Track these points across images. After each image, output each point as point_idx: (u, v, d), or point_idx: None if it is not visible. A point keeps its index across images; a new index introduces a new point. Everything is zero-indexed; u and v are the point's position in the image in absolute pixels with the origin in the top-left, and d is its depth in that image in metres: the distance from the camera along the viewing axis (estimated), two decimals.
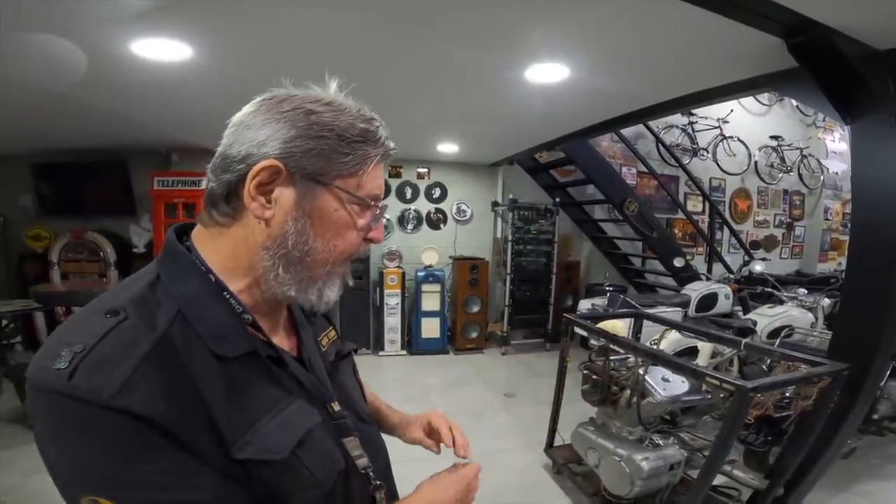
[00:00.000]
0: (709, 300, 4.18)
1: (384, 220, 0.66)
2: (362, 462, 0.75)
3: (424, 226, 6.25)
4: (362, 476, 0.74)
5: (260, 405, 0.62)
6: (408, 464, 0.89)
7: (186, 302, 0.61)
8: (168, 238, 0.69)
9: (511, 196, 5.93)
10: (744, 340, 2.63)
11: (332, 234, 0.66)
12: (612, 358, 2.77)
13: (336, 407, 0.74)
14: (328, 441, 0.70)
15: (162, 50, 2.27)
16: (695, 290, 4.21)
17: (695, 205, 7.06)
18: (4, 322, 4.15)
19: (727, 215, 7.21)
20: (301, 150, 0.62)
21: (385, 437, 0.94)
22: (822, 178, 8.04)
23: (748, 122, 7.30)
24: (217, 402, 0.57)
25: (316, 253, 0.66)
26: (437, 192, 6.26)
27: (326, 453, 0.68)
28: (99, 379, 0.50)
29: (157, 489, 0.52)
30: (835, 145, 8.17)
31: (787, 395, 2.09)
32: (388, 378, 4.93)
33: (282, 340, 0.74)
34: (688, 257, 5.52)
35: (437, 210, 6.28)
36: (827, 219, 8.23)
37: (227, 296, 0.64)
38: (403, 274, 5.75)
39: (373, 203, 0.68)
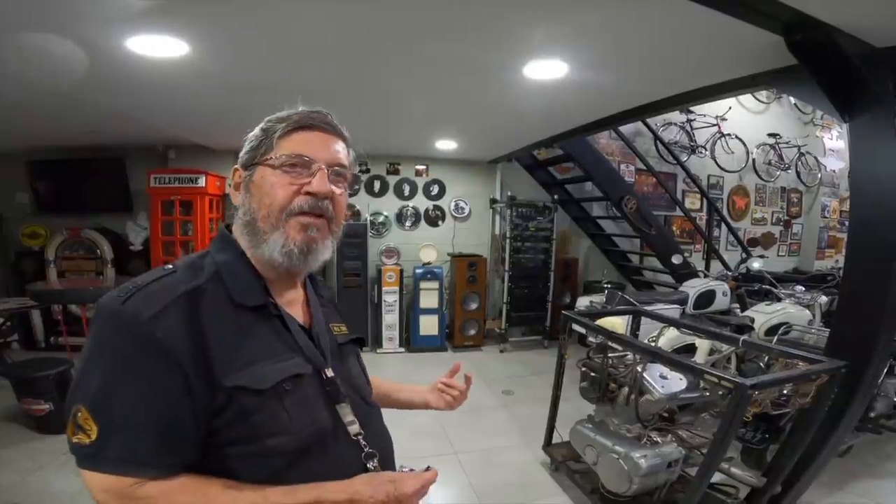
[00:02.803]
0: (707, 297, 4.19)
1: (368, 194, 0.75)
2: (353, 428, 0.85)
3: (423, 223, 6.24)
4: (353, 442, 0.84)
5: (260, 351, 0.78)
6: (413, 461, 0.89)
7: (223, 265, 0.82)
8: (220, 226, 0.91)
9: (509, 193, 5.92)
10: (742, 338, 2.63)
11: (263, 195, 0.83)
12: (610, 355, 2.77)
13: (329, 373, 0.86)
14: (317, 398, 0.82)
15: (159, 47, 2.25)
16: (693, 288, 4.21)
17: (693, 202, 7.07)
18: (1, 320, 4.13)
19: (725, 213, 7.22)
20: (244, 152, 0.88)
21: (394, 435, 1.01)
22: (819, 175, 8.05)
23: (746, 119, 7.31)
24: (221, 342, 0.73)
25: (256, 212, 0.83)
26: (435, 189, 6.25)
27: (309, 406, 0.80)
28: (141, 306, 0.70)
29: (129, 409, 0.67)
30: (832, 143, 8.18)
31: (785, 392, 2.09)
32: (386, 375, 4.79)
33: (295, 312, 0.91)
34: (686, 255, 5.52)
35: (436, 207, 6.27)
36: (824, 216, 8.24)
37: (251, 265, 0.85)
38: (401, 271, 5.74)
39: (294, 158, 0.82)
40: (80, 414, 0.67)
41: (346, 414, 0.85)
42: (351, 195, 5.76)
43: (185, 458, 0.71)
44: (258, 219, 0.83)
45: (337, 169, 0.87)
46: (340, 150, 0.89)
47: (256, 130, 0.88)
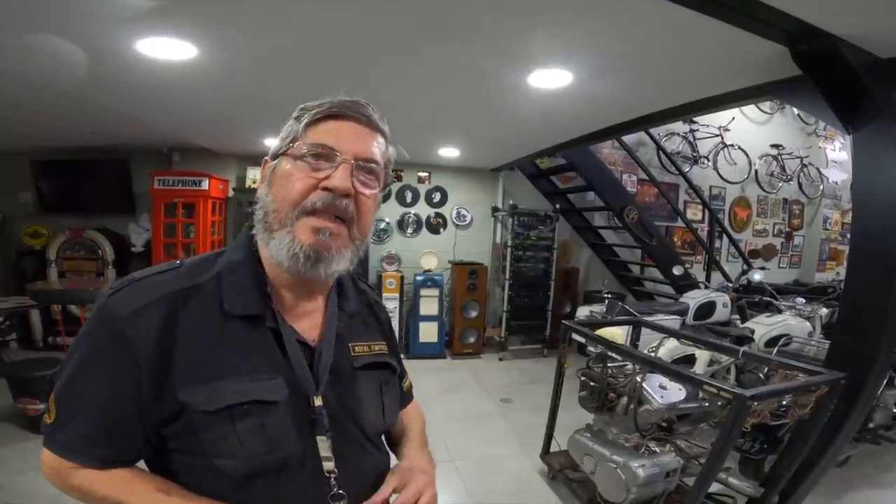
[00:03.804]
0: (707, 308, 4.18)
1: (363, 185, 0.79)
2: (328, 465, 0.76)
3: (424, 230, 6.25)
4: (323, 479, 0.76)
5: (235, 366, 0.72)
6: None
7: (227, 267, 0.78)
8: (245, 225, 0.84)
9: (511, 202, 5.93)
10: (742, 349, 2.62)
11: (278, 188, 0.76)
12: (609, 365, 2.76)
13: (317, 401, 0.77)
14: (290, 427, 0.74)
15: (167, 49, 2.26)
16: (693, 299, 4.20)
17: (695, 213, 7.07)
18: (0, 319, 4.13)
19: (727, 224, 7.23)
20: (275, 143, 0.81)
21: None
22: (821, 187, 8.05)
23: (749, 130, 7.33)
24: (191, 350, 0.70)
25: (269, 205, 0.76)
26: (437, 197, 6.26)
27: (272, 434, 0.72)
28: (124, 302, 0.69)
29: (84, 399, 0.69)
30: (835, 154, 8.19)
31: (784, 403, 2.08)
32: None
33: (304, 324, 0.82)
34: (687, 266, 5.52)
35: (437, 214, 6.28)
36: (826, 228, 8.24)
37: (260, 268, 0.79)
38: (402, 278, 5.74)
39: (318, 148, 0.74)
40: (52, 395, 0.71)
41: (324, 449, 0.76)
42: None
43: (125, 456, 0.71)
44: (270, 212, 0.76)
45: (366, 164, 0.77)
46: (374, 145, 0.79)
47: (290, 119, 0.80)
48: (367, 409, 0.85)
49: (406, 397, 1.10)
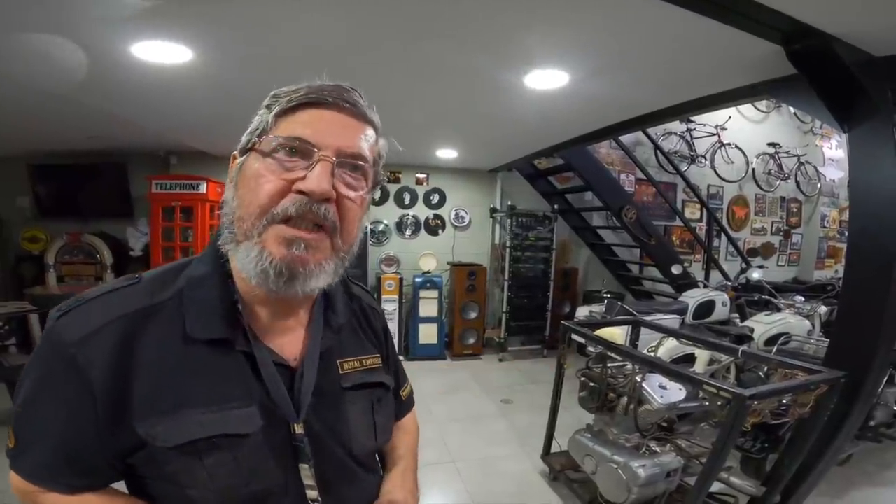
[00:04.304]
0: (706, 307, 4.18)
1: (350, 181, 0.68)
2: (311, 493, 0.70)
3: (423, 231, 6.25)
4: None
5: (201, 395, 0.64)
6: None
7: (190, 282, 0.68)
8: (212, 232, 0.70)
9: (509, 202, 5.92)
10: (741, 348, 2.62)
11: (245, 190, 0.65)
12: (609, 365, 2.77)
13: (298, 429, 0.69)
14: (269, 457, 0.67)
15: (162, 52, 2.26)
16: (692, 298, 4.21)
17: (693, 212, 7.08)
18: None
19: (725, 223, 7.23)
20: (243, 136, 0.69)
21: None
22: (819, 185, 8.06)
23: (746, 129, 7.34)
24: (150, 379, 0.62)
25: (235, 211, 0.66)
26: (435, 198, 6.26)
27: (246, 466, 0.65)
28: (73, 326, 0.62)
29: (41, 427, 0.63)
30: (832, 152, 8.20)
31: (784, 402, 2.08)
32: None
33: (284, 342, 0.73)
34: (685, 265, 5.52)
35: (436, 216, 6.28)
36: (824, 226, 8.24)
37: (231, 282, 0.69)
38: (401, 279, 5.74)
39: (292, 142, 0.63)
40: (13, 418, 0.66)
41: (307, 477, 0.69)
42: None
43: (92, 481, 0.66)
44: (235, 219, 0.65)
45: (351, 161, 0.66)
46: (360, 138, 0.68)
47: (262, 108, 0.69)
48: (357, 432, 0.77)
49: (405, 407, 1.04)
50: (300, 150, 0.63)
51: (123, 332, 0.62)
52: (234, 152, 0.70)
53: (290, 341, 0.74)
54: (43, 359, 0.64)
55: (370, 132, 0.70)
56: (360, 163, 0.67)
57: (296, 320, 0.75)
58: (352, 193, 0.66)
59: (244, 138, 0.68)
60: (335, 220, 0.65)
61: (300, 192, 0.62)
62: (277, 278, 0.63)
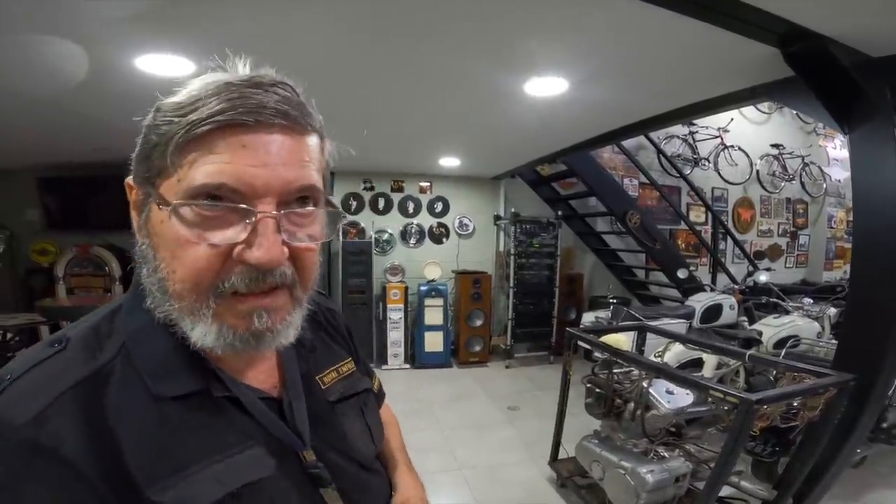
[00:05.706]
0: (713, 311, 4.16)
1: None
2: None
3: (427, 240, 6.26)
4: None
5: (195, 451, 0.54)
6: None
7: (133, 334, 0.56)
8: (138, 269, 0.57)
9: (513, 209, 5.93)
10: (748, 352, 2.61)
11: (168, 254, 0.51)
12: (615, 371, 2.76)
13: (310, 457, 0.64)
14: (291, 492, 0.61)
15: (165, 65, 2.29)
16: (699, 302, 4.19)
17: (697, 215, 7.05)
18: (9, 335, 4.17)
19: (730, 225, 7.19)
20: (136, 155, 0.54)
21: None
22: (824, 185, 8.02)
23: (749, 130, 7.32)
24: (138, 441, 0.51)
25: (163, 272, 0.52)
26: (439, 207, 6.28)
27: None
28: (14, 408, 0.47)
29: None
30: (836, 152, 8.16)
31: (794, 405, 2.07)
32: (391, 392, 4.77)
33: (260, 378, 0.65)
34: (691, 268, 5.50)
35: (440, 224, 6.29)
36: (831, 227, 8.19)
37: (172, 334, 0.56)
38: (406, 288, 5.74)
39: (214, 191, 0.48)
40: None
41: (332, 499, 0.65)
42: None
43: None
44: (168, 289, 0.52)
45: (298, 197, 0.53)
46: (306, 161, 0.53)
47: (148, 117, 0.54)
48: (356, 441, 0.74)
49: (380, 399, 0.99)
50: (228, 198, 0.49)
51: (82, 399, 0.50)
52: (128, 180, 0.57)
53: (264, 370, 0.67)
54: None
55: (313, 141, 0.55)
56: (309, 195, 0.54)
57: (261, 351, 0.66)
58: (306, 241, 0.55)
59: (137, 168, 0.55)
60: (293, 275, 0.55)
61: (246, 263, 0.50)
62: (244, 345, 0.54)
